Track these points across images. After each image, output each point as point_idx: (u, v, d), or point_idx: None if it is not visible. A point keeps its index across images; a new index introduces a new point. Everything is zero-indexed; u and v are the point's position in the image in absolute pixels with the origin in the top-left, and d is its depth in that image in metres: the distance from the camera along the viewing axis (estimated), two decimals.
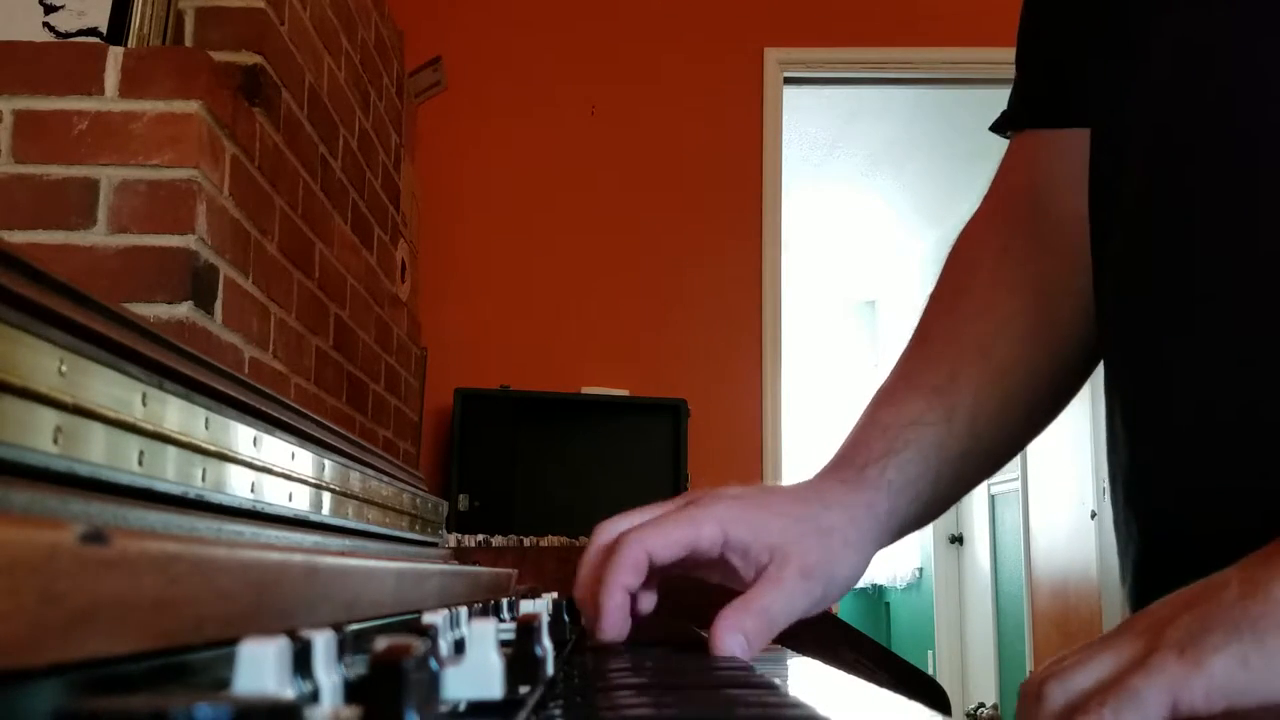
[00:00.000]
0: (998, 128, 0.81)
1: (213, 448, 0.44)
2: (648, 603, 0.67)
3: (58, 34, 1.59)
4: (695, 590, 0.71)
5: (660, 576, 0.67)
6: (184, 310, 1.42)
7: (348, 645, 0.28)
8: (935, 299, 0.79)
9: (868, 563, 0.70)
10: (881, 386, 0.76)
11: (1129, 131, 0.63)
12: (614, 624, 0.63)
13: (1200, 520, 0.56)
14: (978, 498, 5.72)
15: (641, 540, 0.64)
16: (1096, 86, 0.69)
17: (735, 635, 0.62)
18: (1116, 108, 0.65)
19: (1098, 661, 0.43)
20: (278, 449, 0.53)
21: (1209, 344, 0.56)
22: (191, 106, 1.45)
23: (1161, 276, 0.59)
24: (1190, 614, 0.42)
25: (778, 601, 0.63)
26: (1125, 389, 0.63)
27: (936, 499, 0.73)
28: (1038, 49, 0.76)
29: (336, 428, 0.72)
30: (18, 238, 1.39)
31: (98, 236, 1.42)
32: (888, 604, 7.05)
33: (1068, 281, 0.72)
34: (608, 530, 0.68)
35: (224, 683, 0.24)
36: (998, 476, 5.30)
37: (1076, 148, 0.70)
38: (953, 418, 0.72)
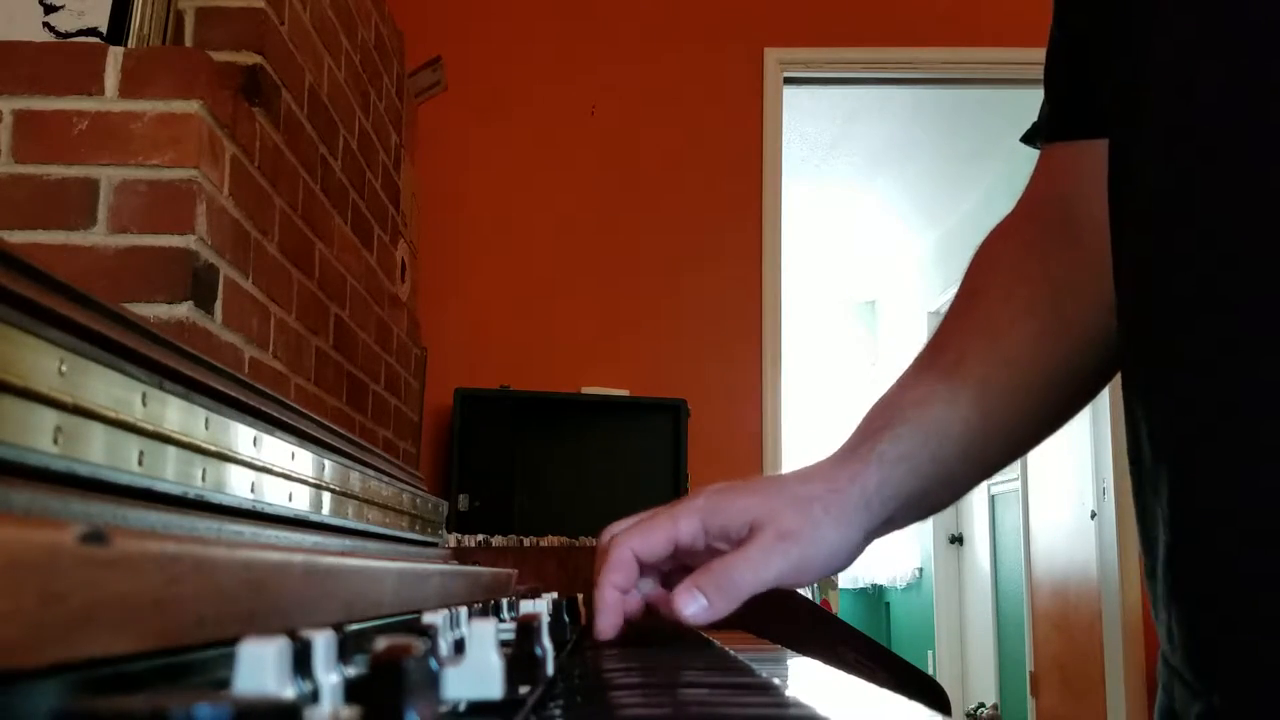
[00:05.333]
0: (1028, 139, 0.81)
1: (213, 448, 0.44)
2: (646, 590, 0.70)
3: (58, 34, 1.59)
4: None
5: (658, 569, 0.71)
6: (184, 310, 1.42)
7: (348, 645, 0.28)
8: (956, 296, 0.79)
9: (857, 536, 0.69)
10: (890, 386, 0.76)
11: (1139, 129, 0.63)
12: (607, 622, 0.67)
13: (1226, 504, 0.55)
14: (978, 498, 5.73)
15: (627, 542, 0.68)
16: (1108, 89, 0.69)
17: (691, 595, 0.64)
18: (1127, 106, 0.65)
19: None
20: (278, 449, 0.53)
21: (1225, 332, 0.56)
22: (191, 106, 1.45)
23: (1176, 271, 0.59)
24: None
25: (744, 563, 0.65)
26: (1141, 382, 0.63)
27: (939, 476, 0.71)
28: (1061, 59, 0.76)
29: (336, 428, 0.72)
30: (18, 238, 1.39)
31: (98, 236, 1.42)
32: (888, 604, 7.05)
33: (1090, 280, 0.71)
34: (605, 535, 0.72)
35: (224, 683, 0.24)
36: (998, 476, 5.30)
37: (1103, 158, 0.70)
38: (957, 397, 0.71)
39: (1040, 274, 0.75)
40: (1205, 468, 0.57)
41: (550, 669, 0.39)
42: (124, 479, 0.36)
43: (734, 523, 0.67)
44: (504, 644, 0.35)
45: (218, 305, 1.50)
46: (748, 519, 0.67)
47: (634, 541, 0.68)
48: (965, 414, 0.71)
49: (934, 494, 0.73)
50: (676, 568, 0.71)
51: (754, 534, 0.66)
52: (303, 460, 0.58)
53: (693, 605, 0.63)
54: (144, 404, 0.37)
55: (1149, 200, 0.62)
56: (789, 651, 0.78)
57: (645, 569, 0.69)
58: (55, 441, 0.31)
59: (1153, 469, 0.61)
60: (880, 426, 0.71)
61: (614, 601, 0.67)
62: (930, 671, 5.91)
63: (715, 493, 0.69)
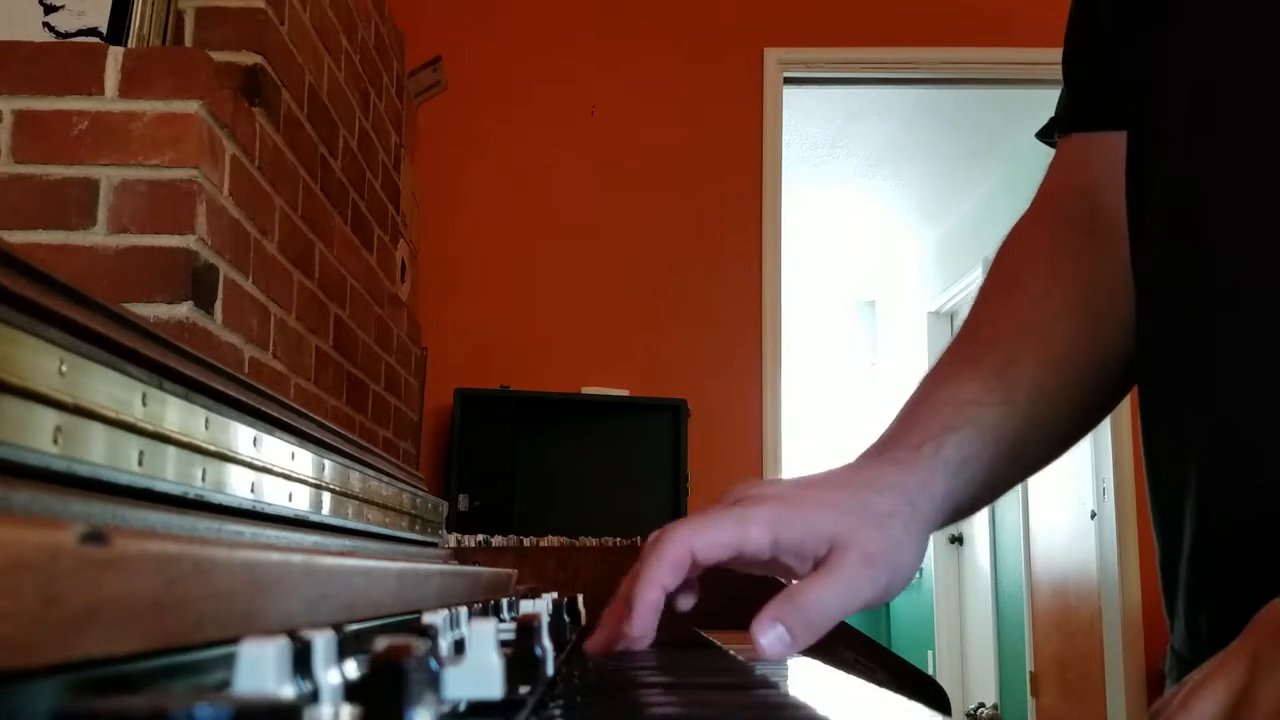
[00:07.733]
0: (1044, 135, 0.80)
1: (213, 448, 0.44)
2: (686, 603, 0.63)
3: (58, 34, 1.59)
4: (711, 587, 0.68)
5: (703, 576, 0.63)
6: (184, 310, 1.41)
7: (348, 645, 0.28)
8: (987, 291, 0.77)
9: (925, 549, 0.65)
10: (931, 371, 0.73)
11: (1161, 117, 0.62)
12: (643, 622, 0.59)
13: (1254, 505, 0.55)
14: None
15: (687, 539, 0.60)
16: (1128, 82, 0.68)
17: (774, 628, 0.56)
18: (1147, 98, 0.65)
19: (1213, 689, 0.41)
20: (278, 449, 0.53)
21: (1252, 325, 0.55)
22: (191, 106, 1.45)
23: (1202, 262, 0.58)
24: None
25: (833, 590, 0.59)
26: (1162, 381, 0.62)
27: (991, 482, 0.70)
28: (1080, 48, 0.76)
29: (336, 428, 0.72)
30: (18, 238, 1.39)
31: (98, 236, 1.42)
32: (888, 604, 7.05)
33: (1118, 276, 0.71)
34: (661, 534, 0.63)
35: (224, 683, 0.24)
36: None
37: (1124, 150, 0.69)
38: (1012, 399, 0.69)
39: (1075, 273, 0.74)
40: (1235, 466, 0.56)
41: (550, 669, 0.39)
42: (124, 479, 0.36)
43: (810, 538, 0.60)
44: (504, 644, 0.35)
45: (218, 305, 1.50)
46: (826, 535, 0.60)
47: (695, 540, 0.60)
48: (1018, 417, 0.69)
49: (981, 499, 0.71)
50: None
51: (835, 555, 0.60)
52: (303, 460, 0.58)
53: (774, 639, 0.56)
54: (144, 404, 0.37)
55: (1170, 195, 0.61)
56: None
57: (693, 570, 0.61)
58: (55, 441, 0.31)
59: (1174, 467, 0.60)
60: (940, 429, 0.67)
61: (656, 603, 0.60)
62: (930, 671, 5.91)
63: (782, 502, 0.62)
